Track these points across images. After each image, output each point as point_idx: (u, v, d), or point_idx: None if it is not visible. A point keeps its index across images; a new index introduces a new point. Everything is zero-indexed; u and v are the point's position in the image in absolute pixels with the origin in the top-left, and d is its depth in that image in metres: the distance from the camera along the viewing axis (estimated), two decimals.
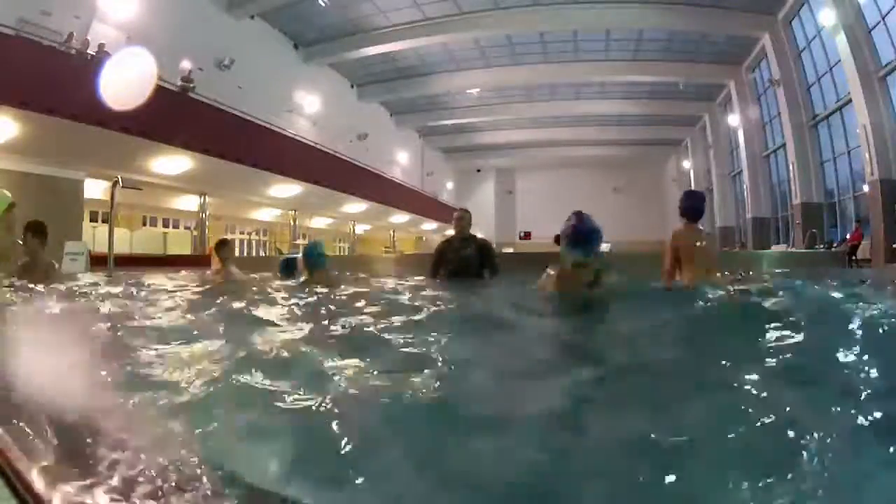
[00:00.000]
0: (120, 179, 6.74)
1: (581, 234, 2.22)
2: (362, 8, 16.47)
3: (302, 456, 0.77)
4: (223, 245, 5.23)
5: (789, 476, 0.70)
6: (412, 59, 19.92)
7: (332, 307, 2.60)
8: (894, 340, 1.47)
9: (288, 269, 4.73)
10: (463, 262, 4.07)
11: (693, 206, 3.14)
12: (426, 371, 1.17)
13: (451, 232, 4.41)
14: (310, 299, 2.88)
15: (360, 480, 0.71)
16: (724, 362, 1.23)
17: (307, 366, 1.26)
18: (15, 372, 1.03)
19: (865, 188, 12.32)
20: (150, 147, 10.24)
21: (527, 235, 32.91)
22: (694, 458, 0.75)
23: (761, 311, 1.94)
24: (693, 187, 26.58)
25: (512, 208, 33.87)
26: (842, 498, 0.68)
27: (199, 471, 0.68)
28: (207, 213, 14.31)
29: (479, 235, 4.50)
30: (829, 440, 0.79)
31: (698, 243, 2.99)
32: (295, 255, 4.91)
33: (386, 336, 1.62)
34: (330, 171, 16.12)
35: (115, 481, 0.62)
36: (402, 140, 27.14)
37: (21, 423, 0.77)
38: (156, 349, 1.43)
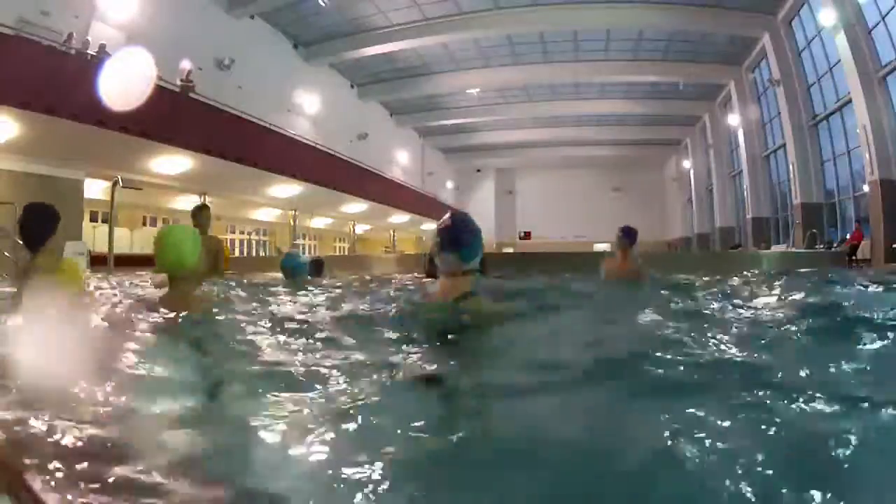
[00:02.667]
0: (120, 179, 6.77)
1: (461, 233, 1.80)
2: (362, 8, 16.47)
3: None
4: None
5: None
6: (412, 59, 19.92)
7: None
8: None
9: (316, 269, 4.74)
10: None
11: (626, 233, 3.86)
12: None
13: None
14: None
15: None
16: None
17: None
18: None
19: (865, 188, 12.33)
20: (150, 147, 10.23)
21: (527, 235, 32.96)
22: None
23: None
24: (693, 187, 26.64)
25: (512, 208, 33.92)
26: None
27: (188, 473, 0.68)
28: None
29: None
30: None
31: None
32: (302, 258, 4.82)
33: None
34: (330, 171, 16.12)
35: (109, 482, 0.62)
36: (402, 140, 27.15)
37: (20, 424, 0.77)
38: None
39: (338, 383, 1.15)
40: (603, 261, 3.93)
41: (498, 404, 1.04)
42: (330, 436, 0.82)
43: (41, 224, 2.37)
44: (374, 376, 1.17)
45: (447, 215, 1.88)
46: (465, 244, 1.79)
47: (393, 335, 1.67)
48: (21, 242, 2.36)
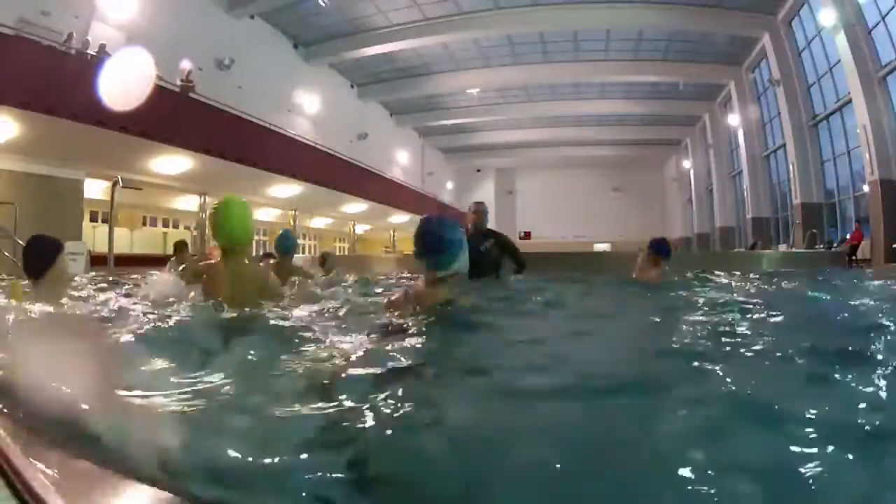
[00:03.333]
0: (120, 179, 6.77)
1: (428, 240, 1.76)
2: (362, 8, 16.47)
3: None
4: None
5: None
6: (412, 59, 19.92)
7: None
8: None
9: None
10: (480, 259, 3.57)
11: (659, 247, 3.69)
12: None
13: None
14: None
15: None
16: None
17: None
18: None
19: (865, 188, 12.32)
20: (150, 147, 10.23)
21: (527, 235, 32.93)
22: None
23: None
24: (693, 187, 26.63)
25: (512, 208, 33.90)
26: None
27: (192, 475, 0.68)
28: (207, 213, 14.29)
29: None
30: None
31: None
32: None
33: None
34: (330, 171, 16.11)
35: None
36: (402, 140, 27.14)
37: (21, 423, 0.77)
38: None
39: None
40: (636, 263, 3.75)
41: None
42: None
43: (40, 257, 2.47)
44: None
45: (421, 219, 1.83)
46: (440, 251, 1.74)
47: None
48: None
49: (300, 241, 20.13)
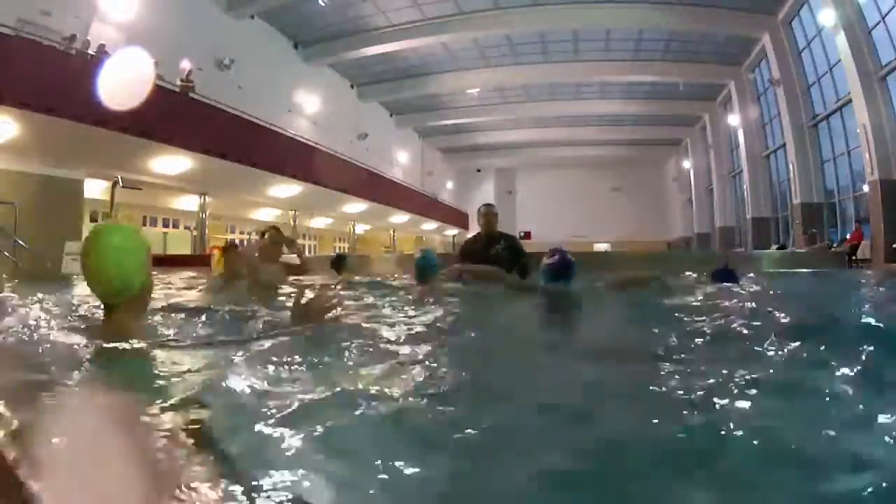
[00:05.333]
0: (120, 179, 6.77)
1: (565, 268, 2.67)
2: (362, 8, 16.47)
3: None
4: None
5: None
6: (412, 59, 19.92)
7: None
8: None
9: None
10: (491, 262, 3.61)
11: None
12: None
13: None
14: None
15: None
16: None
17: None
18: None
19: (865, 188, 12.32)
20: (150, 147, 10.23)
21: (527, 235, 32.86)
22: None
23: None
24: (693, 187, 26.61)
25: (512, 208, 33.85)
26: None
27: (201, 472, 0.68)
28: (207, 213, 14.30)
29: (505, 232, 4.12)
30: None
31: None
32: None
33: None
34: (330, 171, 16.11)
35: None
36: (402, 140, 27.14)
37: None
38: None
39: None
40: None
41: None
42: None
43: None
44: None
45: (557, 254, 2.71)
46: (569, 277, 2.67)
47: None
48: None
49: (300, 242, 20.13)
